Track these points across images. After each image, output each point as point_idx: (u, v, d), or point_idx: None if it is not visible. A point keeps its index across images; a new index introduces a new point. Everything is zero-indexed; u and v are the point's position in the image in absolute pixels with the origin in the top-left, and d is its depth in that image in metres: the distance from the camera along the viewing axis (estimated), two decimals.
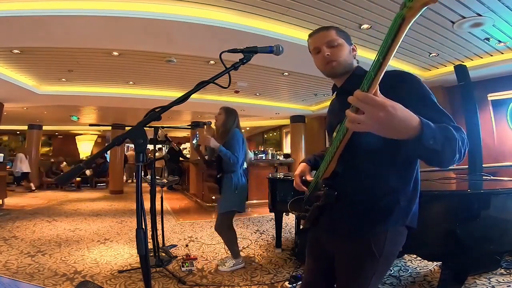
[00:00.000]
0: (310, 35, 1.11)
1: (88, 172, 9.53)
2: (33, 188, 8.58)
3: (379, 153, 0.92)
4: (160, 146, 11.66)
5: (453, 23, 3.07)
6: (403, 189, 0.96)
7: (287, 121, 9.09)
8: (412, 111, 0.67)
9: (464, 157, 0.77)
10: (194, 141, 2.89)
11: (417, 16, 0.54)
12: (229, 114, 2.72)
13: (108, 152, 8.50)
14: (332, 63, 1.04)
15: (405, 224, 0.98)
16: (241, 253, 2.90)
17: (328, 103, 7.88)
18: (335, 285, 1.10)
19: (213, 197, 2.89)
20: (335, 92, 1.14)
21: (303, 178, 1.21)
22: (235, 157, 2.55)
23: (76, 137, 12.86)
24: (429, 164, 0.86)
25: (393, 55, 0.59)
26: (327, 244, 1.10)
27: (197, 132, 3.04)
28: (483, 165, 3.54)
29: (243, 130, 2.88)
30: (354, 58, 1.09)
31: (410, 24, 0.56)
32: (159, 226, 3.13)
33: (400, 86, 0.88)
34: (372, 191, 0.96)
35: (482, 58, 4.09)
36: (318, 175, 1.06)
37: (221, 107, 2.77)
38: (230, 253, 2.79)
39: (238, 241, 2.82)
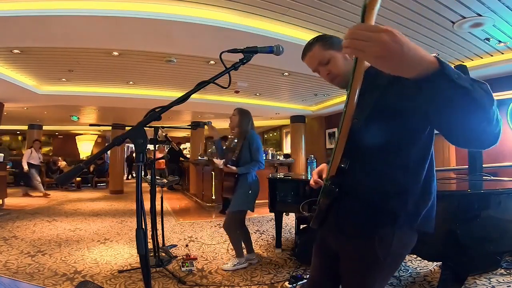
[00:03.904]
0: (302, 58, 1.11)
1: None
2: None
3: (387, 150, 0.90)
4: (159, 146, 11.66)
5: (453, 23, 3.07)
6: (412, 191, 0.91)
7: (287, 121, 9.09)
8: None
9: (501, 123, 0.62)
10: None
11: (378, 4, 0.57)
12: (244, 115, 2.80)
13: (108, 152, 8.50)
14: (336, 79, 1.06)
15: (414, 227, 0.93)
16: None
17: (328, 103, 7.85)
18: (340, 285, 1.08)
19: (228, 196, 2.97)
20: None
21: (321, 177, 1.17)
22: (259, 163, 2.71)
23: (76, 137, 12.87)
24: (455, 126, 0.63)
25: None
26: (333, 243, 1.07)
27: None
28: (483, 165, 3.54)
29: None
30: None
31: (375, 11, 0.58)
32: (159, 226, 3.13)
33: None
34: (379, 190, 0.92)
35: (482, 58, 4.09)
36: (327, 175, 1.04)
37: (235, 108, 2.86)
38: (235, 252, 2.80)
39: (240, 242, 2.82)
